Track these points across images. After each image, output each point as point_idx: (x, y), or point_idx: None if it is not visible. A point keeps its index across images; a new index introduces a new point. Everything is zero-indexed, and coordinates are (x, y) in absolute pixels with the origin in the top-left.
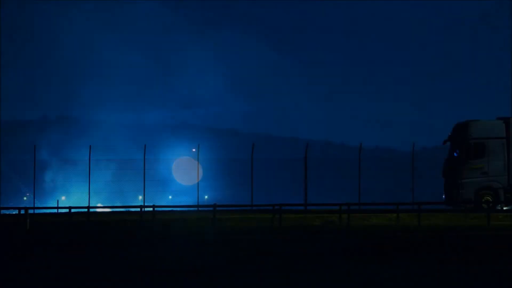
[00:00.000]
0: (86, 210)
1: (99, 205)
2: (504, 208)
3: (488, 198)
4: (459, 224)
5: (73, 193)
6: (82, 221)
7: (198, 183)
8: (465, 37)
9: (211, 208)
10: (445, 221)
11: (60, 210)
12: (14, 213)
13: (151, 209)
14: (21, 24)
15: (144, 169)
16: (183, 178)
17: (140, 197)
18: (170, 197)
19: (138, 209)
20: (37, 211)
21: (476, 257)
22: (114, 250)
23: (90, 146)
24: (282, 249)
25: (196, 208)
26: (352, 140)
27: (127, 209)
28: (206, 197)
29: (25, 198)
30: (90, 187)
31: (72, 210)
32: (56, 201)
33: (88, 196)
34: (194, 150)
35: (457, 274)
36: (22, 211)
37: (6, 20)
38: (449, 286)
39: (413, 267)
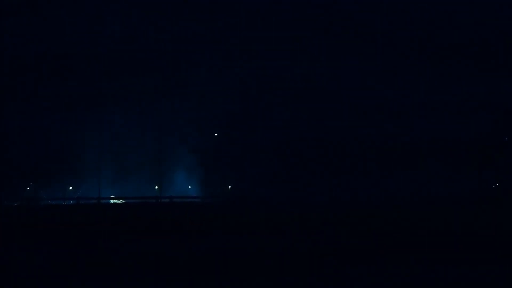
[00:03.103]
0: (96, 201)
1: (111, 196)
2: None
3: None
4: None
5: (83, 185)
6: (92, 212)
7: (213, 175)
8: (468, 36)
9: (225, 200)
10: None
11: (69, 202)
12: (21, 204)
13: (168, 200)
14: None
15: (160, 161)
16: (199, 170)
17: (156, 187)
18: (189, 187)
19: (154, 200)
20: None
21: (476, 256)
22: (126, 243)
23: (99, 137)
24: (282, 248)
25: (212, 199)
26: (352, 139)
27: (143, 200)
28: (219, 189)
29: (28, 189)
30: (102, 179)
31: (81, 202)
32: (65, 193)
33: (98, 187)
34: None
35: (458, 274)
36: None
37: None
38: (452, 286)
39: (415, 268)
